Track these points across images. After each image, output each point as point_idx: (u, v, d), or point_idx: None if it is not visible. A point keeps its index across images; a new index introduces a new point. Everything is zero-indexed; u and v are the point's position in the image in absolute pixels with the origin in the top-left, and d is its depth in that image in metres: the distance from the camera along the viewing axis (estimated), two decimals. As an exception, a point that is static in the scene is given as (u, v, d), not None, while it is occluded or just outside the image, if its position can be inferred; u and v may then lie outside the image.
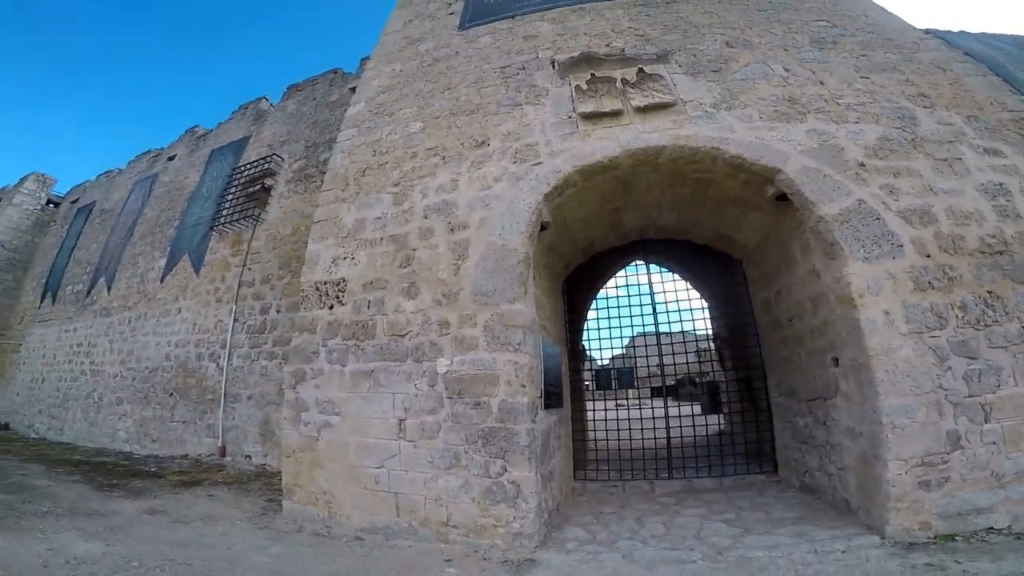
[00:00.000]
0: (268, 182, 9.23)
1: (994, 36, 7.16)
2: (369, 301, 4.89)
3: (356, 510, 4.44)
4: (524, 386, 4.17)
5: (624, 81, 5.38)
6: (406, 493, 4.28)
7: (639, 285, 7.24)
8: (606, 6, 6.73)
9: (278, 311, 7.89)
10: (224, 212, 9.46)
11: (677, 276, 8.41)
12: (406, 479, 4.30)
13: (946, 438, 3.66)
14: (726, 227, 6.10)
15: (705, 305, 8.26)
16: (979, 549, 3.33)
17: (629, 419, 6.38)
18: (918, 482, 3.58)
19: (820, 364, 4.68)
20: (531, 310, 4.53)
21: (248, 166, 9.79)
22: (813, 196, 4.41)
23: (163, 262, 10.36)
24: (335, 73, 10.76)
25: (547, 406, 4.74)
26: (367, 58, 10.24)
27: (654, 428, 6.32)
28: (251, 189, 9.33)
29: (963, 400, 3.74)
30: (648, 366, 6.97)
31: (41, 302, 13.71)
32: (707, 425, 7.51)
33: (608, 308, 7.45)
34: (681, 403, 9.94)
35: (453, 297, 4.58)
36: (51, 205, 16.32)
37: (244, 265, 8.63)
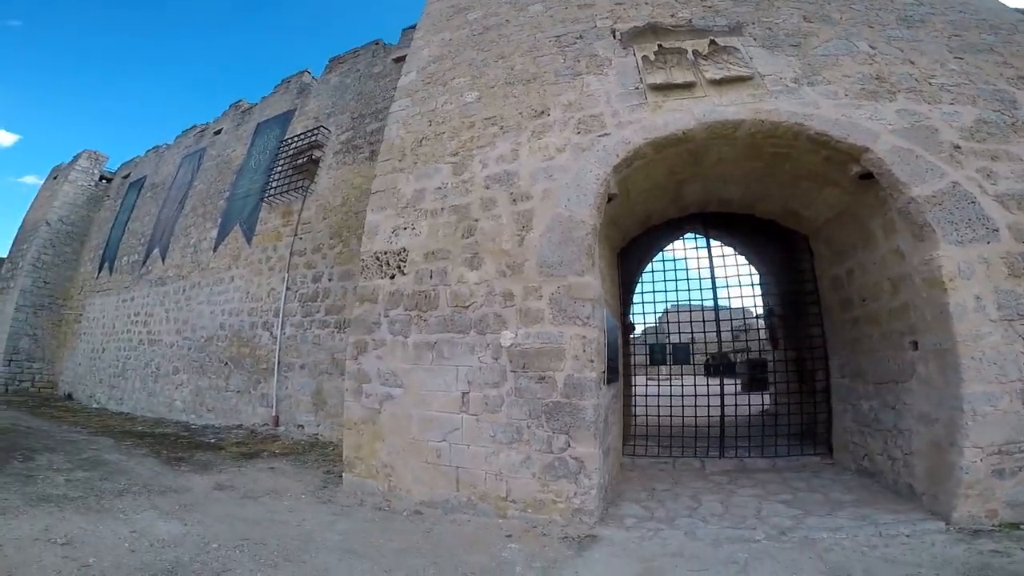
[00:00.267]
0: (316, 154, 9.26)
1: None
2: (431, 271, 4.86)
3: (416, 484, 4.49)
4: (592, 361, 4.10)
5: (696, 53, 5.17)
6: (467, 467, 4.30)
7: (686, 259, 7.02)
8: (667, -25, 6.39)
9: (330, 279, 7.98)
10: (273, 184, 9.56)
11: (730, 250, 8.17)
12: (468, 453, 4.31)
13: (1027, 428, 3.52)
14: (796, 203, 5.89)
15: (755, 281, 8.03)
16: (1043, 538, 3.28)
17: (671, 396, 6.22)
18: (992, 470, 3.52)
19: (895, 347, 4.53)
20: (599, 283, 4.43)
21: (295, 139, 9.82)
22: (904, 176, 4.22)
23: (215, 232, 10.59)
24: (376, 44, 10.60)
25: (608, 381, 4.68)
26: (409, 28, 10.10)
27: (699, 406, 6.17)
28: (299, 161, 9.38)
29: (1048, 391, 3.57)
30: (692, 342, 6.80)
31: (99, 273, 14.27)
32: (749, 405, 7.37)
33: (654, 281, 7.33)
34: (719, 381, 9.73)
35: (518, 268, 4.50)
36: (103, 181, 16.84)
37: (295, 235, 8.74)
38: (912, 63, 4.99)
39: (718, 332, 6.53)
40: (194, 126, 14.12)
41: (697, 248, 7.66)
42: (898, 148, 4.35)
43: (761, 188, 5.87)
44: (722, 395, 6.22)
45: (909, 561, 3.16)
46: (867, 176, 4.54)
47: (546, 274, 4.37)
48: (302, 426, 7.72)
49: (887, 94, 4.73)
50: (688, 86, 5.01)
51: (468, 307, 4.59)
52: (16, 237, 16.50)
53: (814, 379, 6.19)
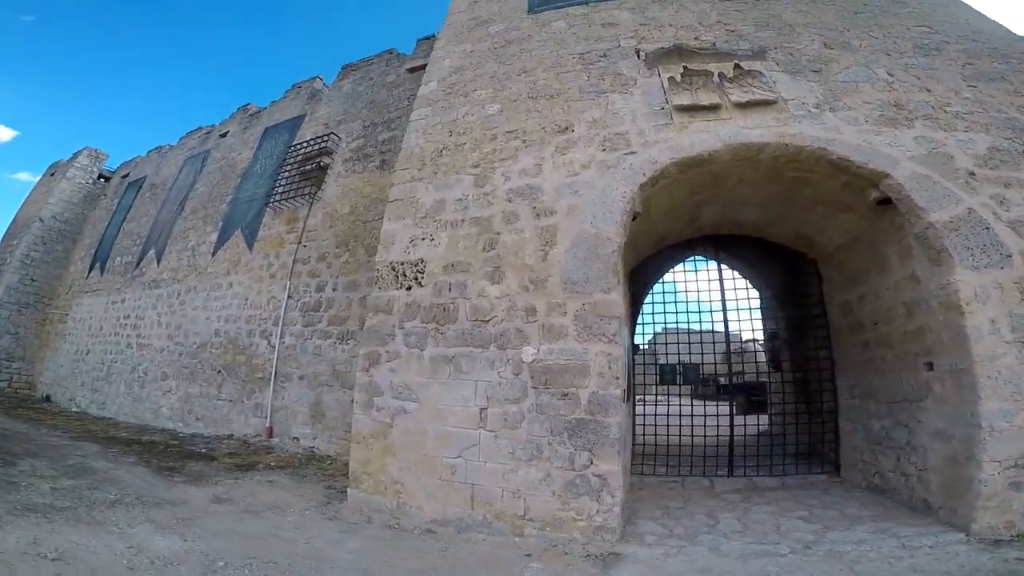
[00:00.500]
0: (325, 161, 9.16)
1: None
2: (450, 284, 4.76)
3: (429, 501, 4.32)
4: (617, 378, 4.05)
5: (721, 75, 5.27)
6: (483, 485, 4.17)
7: (685, 281, 7.09)
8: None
9: (334, 289, 7.79)
10: (279, 189, 9.42)
11: (730, 272, 8.19)
12: (484, 470, 4.18)
13: (1041, 442, 3.66)
14: (809, 227, 5.97)
15: (753, 305, 8.10)
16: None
17: (680, 415, 6.30)
18: (1009, 483, 3.64)
19: (909, 368, 4.64)
20: (623, 300, 4.36)
21: (304, 144, 9.72)
22: (922, 202, 4.34)
23: (215, 236, 10.38)
24: (390, 53, 10.61)
25: (625, 399, 4.57)
26: (424, 39, 10.15)
27: (707, 425, 6.24)
28: (307, 167, 9.27)
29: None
30: (694, 364, 6.72)
31: (89, 272, 13.93)
32: (745, 426, 7.37)
33: (653, 303, 7.39)
34: (711, 403, 9.67)
35: (541, 284, 4.42)
36: (102, 179, 16.59)
37: (299, 242, 8.57)
38: (928, 91, 5.16)
39: (728, 354, 6.50)
40: (199, 127, 13.99)
41: (696, 271, 7.68)
42: (917, 174, 4.47)
43: (777, 212, 5.97)
44: (731, 415, 6.34)
45: (938, 570, 3.23)
46: (885, 202, 4.63)
47: (571, 290, 4.30)
48: (297, 438, 7.45)
49: (905, 121, 4.86)
50: (714, 108, 5.08)
51: (488, 321, 4.48)
52: (7, 232, 16.14)
53: (818, 400, 6.27)
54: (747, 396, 11.53)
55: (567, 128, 5.25)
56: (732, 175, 5.16)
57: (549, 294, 4.35)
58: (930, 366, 4.35)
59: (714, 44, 5.69)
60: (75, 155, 16.40)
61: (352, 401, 6.96)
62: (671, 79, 5.32)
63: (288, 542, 3.68)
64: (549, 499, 3.94)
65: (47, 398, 13.26)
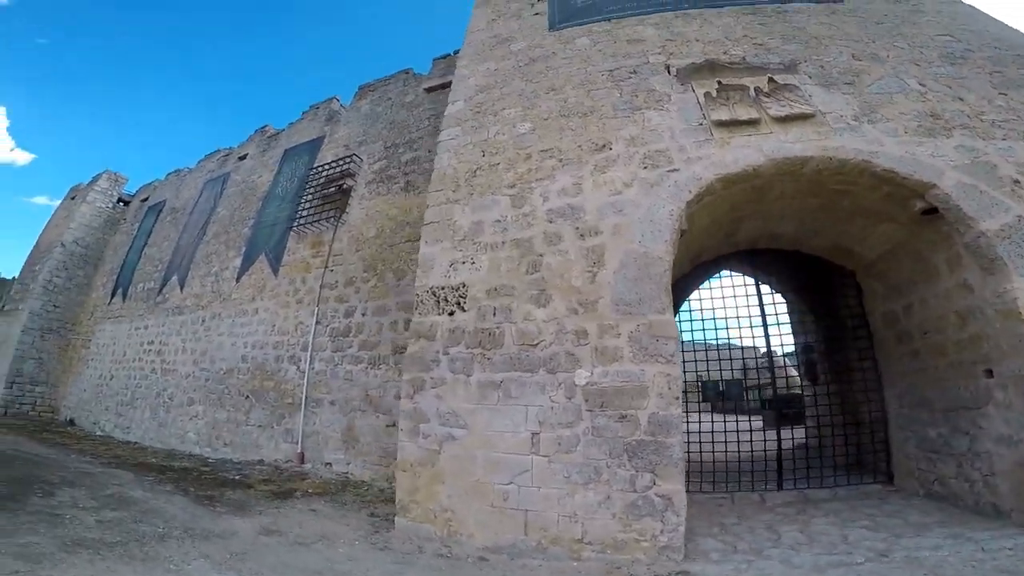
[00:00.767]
0: (347, 183, 9.16)
1: None
2: (494, 308, 4.70)
3: (480, 528, 4.22)
4: (677, 398, 4.01)
5: (757, 90, 5.29)
6: (537, 510, 4.09)
7: (712, 297, 6.94)
8: (713, 14, 6.54)
9: (363, 314, 7.74)
10: (302, 213, 9.42)
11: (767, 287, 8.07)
12: (538, 495, 4.10)
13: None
14: (848, 238, 5.95)
15: (783, 319, 8.00)
16: None
17: (725, 432, 6.19)
18: None
19: (966, 375, 4.63)
20: (675, 320, 4.27)
21: (326, 166, 9.74)
22: (971, 211, 4.37)
23: (238, 261, 10.40)
24: (407, 73, 10.66)
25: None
26: (440, 57, 10.19)
27: (754, 441, 6.23)
28: (330, 190, 9.28)
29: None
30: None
31: (111, 298, 14.01)
32: (779, 439, 7.23)
33: (680, 320, 7.18)
34: (741, 417, 9.51)
35: (590, 306, 4.36)
36: (121, 203, 16.76)
37: (326, 267, 8.54)
38: (962, 99, 5.19)
39: (772, 369, 6.39)
40: (218, 150, 14.10)
41: (720, 286, 7.54)
42: (963, 183, 4.50)
43: (815, 224, 5.95)
44: (778, 428, 6.25)
45: (1025, 571, 3.17)
46: (929, 211, 4.63)
47: (623, 312, 4.24)
48: (330, 464, 7.36)
49: (943, 131, 4.88)
50: (753, 123, 5.08)
51: (536, 345, 4.41)
52: (29, 257, 16.30)
53: (862, 411, 6.26)
54: (780, 409, 11.33)
55: (604, 146, 5.23)
56: (773, 189, 5.14)
57: (600, 316, 4.29)
58: (989, 373, 4.33)
59: (744, 58, 5.71)
60: (95, 178, 16.59)
61: (386, 426, 7.01)
62: (707, 94, 5.33)
63: (347, 576, 3.58)
64: (609, 522, 3.89)
65: (71, 422, 13.31)
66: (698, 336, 6.78)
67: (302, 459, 7.65)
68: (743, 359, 6.46)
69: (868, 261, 6.00)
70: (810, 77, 5.46)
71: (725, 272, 7.85)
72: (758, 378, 6.76)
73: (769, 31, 6.13)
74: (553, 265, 4.64)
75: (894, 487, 5.62)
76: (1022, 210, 4.28)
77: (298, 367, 8.20)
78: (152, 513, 4.87)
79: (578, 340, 4.29)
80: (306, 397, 7.86)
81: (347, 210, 8.99)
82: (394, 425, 6.80)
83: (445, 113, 6.60)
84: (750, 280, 7.87)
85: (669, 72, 5.76)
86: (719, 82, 5.40)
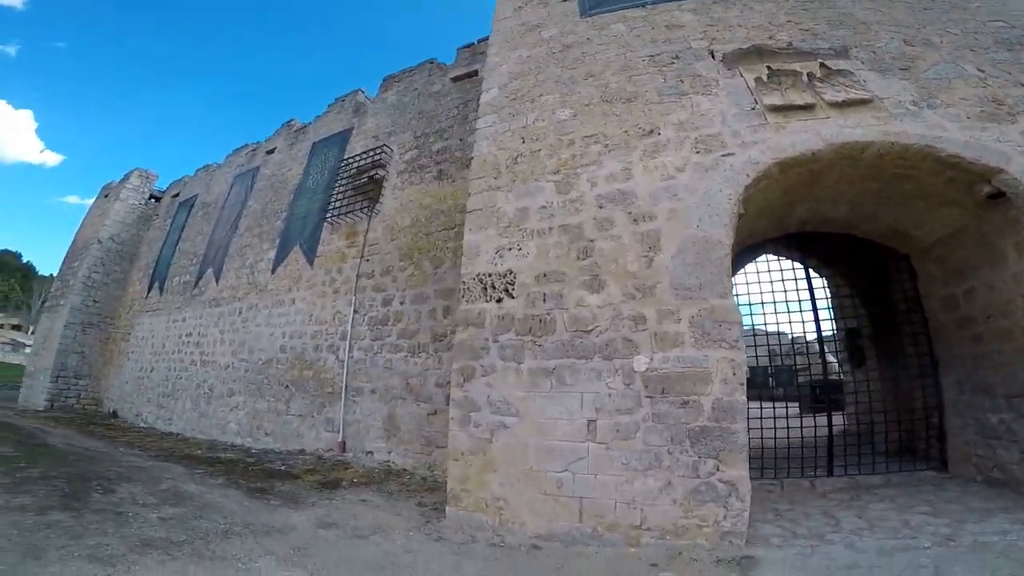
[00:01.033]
0: (379, 173, 9.17)
1: None
2: (544, 294, 4.65)
3: (533, 516, 4.23)
4: (742, 384, 3.96)
5: (810, 75, 5.17)
6: (593, 497, 4.08)
7: (747, 283, 6.77)
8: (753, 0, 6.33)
9: (401, 303, 7.76)
10: (335, 204, 9.47)
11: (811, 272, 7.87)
12: (595, 483, 4.09)
13: None
14: (906, 222, 5.82)
15: (827, 303, 7.84)
16: None
17: (775, 418, 6.07)
18: None
19: None
20: (737, 304, 4.19)
21: (356, 158, 9.76)
22: None
23: (272, 253, 10.52)
24: (431, 64, 10.56)
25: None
26: (464, 47, 10.07)
27: (804, 427, 6.06)
28: (361, 180, 9.30)
29: None
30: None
31: (148, 292, 14.33)
32: (815, 426, 7.11)
33: None
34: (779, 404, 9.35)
35: (648, 291, 4.29)
36: (152, 200, 17.10)
37: (362, 257, 8.58)
38: (1023, 85, 5.03)
39: (822, 355, 6.26)
40: (245, 145, 14.23)
41: (756, 271, 7.33)
42: None
43: (870, 208, 5.82)
44: (829, 414, 6.14)
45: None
46: (995, 196, 4.58)
47: (683, 296, 4.18)
48: (371, 452, 7.44)
49: (1008, 116, 4.75)
50: (808, 107, 4.98)
51: (590, 331, 4.36)
52: (67, 255, 16.75)
53: (915, 396, 6.19)
54: (829, 395, 11.15)
55: (652, 131, 5.12)
56: (831, 174, 5.04)
57: (659, 301, 4.23)
58: (1059, 358, 4.20)
59: (791, 44, 5.55)
60: (126, 176, 16.92)
61: (427, 415, 7.04)
62: (757, 79, 5.21)
63: (408, 569, 3.61)
64: (669, 508, 3.88)
65: (114, 413, 13.72)
66: (745, 321, 6.65)
67: (343, 448, 7.75)
68: (792, 344, 6.30)
69: (926, 245, 5.87)
70: (863, 63, 5.32)
71: (761, 257, 7.67)
72: (808, 364, 6.56)
73: (814, 16, 5.97)
74: (606, 250, 4.57)
75: (948, 474, 5.54)
76: (1093, 195, 4.12)
77: (337, 356, 8.28)
78: (210, 508, 4.92)
79: (636, 326, 4.23)
80: (346, 386, 7.94)
81: (380, 200, 9.00)
82: (435, 413, 6.86)
83: (480, 101, 6.53)
84: (789, 264, 7.74)
85: (714, 57, 5.62)
86: (769, 67, 5.27)
